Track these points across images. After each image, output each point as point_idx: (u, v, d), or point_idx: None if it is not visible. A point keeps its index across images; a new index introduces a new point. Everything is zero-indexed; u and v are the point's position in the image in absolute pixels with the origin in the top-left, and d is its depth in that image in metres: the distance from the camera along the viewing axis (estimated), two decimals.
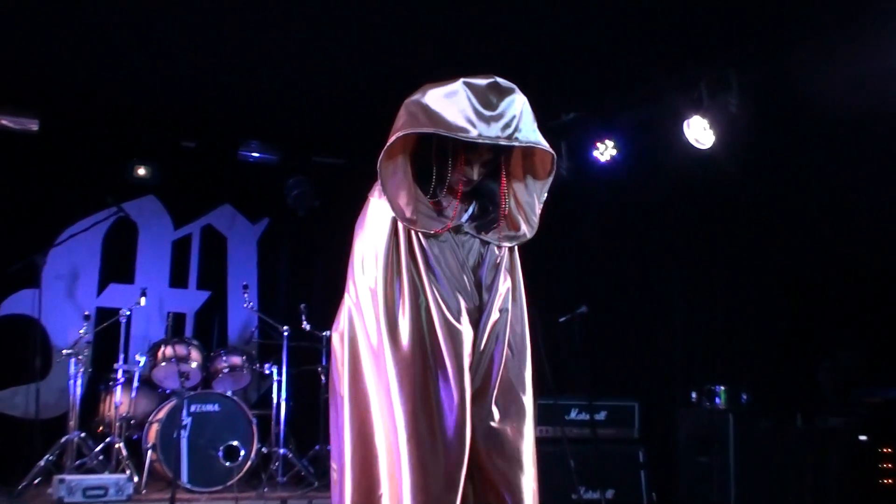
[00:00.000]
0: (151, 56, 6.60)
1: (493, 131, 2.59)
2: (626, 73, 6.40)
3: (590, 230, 7.60)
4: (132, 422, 6.94)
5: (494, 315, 2.79)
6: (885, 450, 5.14)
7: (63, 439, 6.62)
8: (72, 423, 6.74)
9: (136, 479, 6.44)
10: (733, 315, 6.58)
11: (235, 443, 6.80)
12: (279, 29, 6.08)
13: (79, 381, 6.86)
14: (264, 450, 7.08)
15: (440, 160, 2.73)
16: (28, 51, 6.53)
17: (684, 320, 6.93)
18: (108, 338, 7.51)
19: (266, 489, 6.70)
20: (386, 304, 2.71)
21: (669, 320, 7.02)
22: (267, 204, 8.95)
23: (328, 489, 2.99)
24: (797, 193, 6.07)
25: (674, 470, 6.31)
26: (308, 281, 8.66)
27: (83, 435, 6.70)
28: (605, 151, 7.09)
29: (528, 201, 2.87)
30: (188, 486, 6.58)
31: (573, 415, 6.31)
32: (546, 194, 2.91)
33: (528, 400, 2.80)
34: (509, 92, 2.65)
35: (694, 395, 6.22)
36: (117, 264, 8.48)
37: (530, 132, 2.68)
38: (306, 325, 7.34)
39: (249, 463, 6.82)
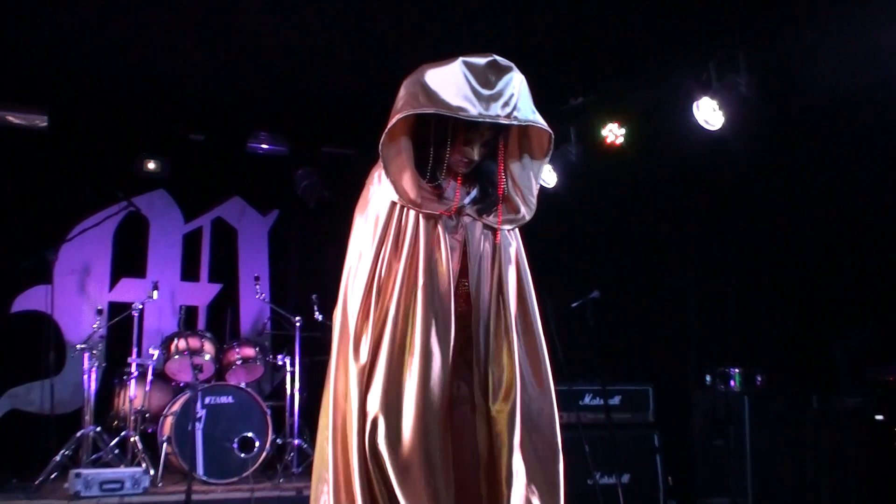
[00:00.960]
0: (158, 50, 6.60)
1: (493, 110, 2.57)
2: (633, 55, 6.36)
3: (600, 214, 7.56)
4: (147, 415, 6.96)
5: (496, 296, 2.75)
6: None
7: (78, 434, 6.65)
8: (87, 418, 6.76)
9: (151, 472, 6.47)
10: (746, 296, 6.55)
11: (250, 434, 6.82)
12: (285, 20, 6.06)
13: (93, 376, 6.87)
14: (279, 441, 7.11)
15: (439, 141, 2.70)
16: (35, 47, 6.54)
17: (697, 303, 6.90)
18: (121, 332, 7.52)
19: (282, 480, 6.72)
20: (379, 286, 2.66)
21: (682, 303, 6.99)
22: (276, 195, 8.97)
23: None
24: (808, 172, 6.02)
25: (689, 454, 6.29)
26: (319, 271, 8.66)
27: (98, 429, 6.73)
28: (614, 135, 7.05)
29: (525, 182, 2.81)
30: (204, 478, 6.61)
31: (587, 400, 6.30)
32: (542, 175, 2.88)
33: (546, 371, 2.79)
34: (507, 70, 2.62)
35: (708, 377, 6.20)
36: (129, 259, 8.52)
37: (528, 111, 2.66)
38: (318, 316, 7.34)
39: (264, 454, 6.84)
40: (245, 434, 6.81)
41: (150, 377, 7.02)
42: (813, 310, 6.00)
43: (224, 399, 6.88)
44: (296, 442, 7.10)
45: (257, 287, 7.70)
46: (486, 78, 2.58)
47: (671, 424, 6.50)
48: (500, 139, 2.76)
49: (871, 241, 5.66)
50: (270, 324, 8.13)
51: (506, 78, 2.61)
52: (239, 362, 7.29)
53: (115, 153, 8.17)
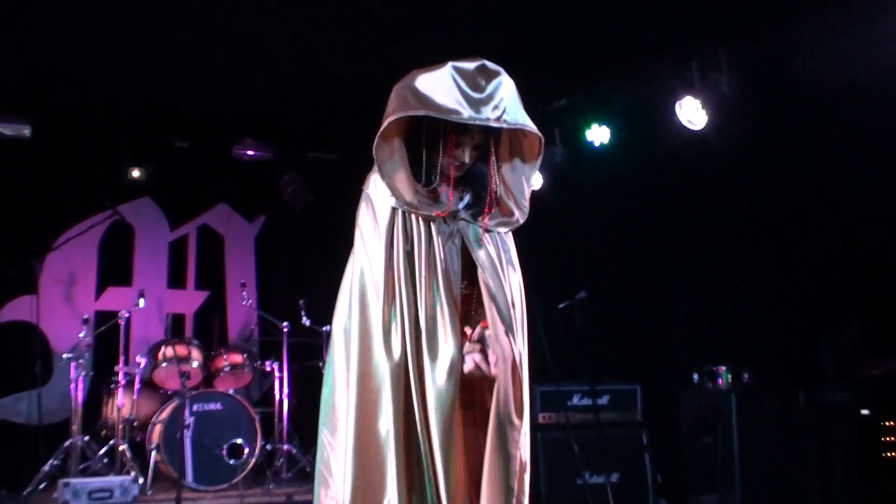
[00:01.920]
0: (142, 57, 6.58)
1: (483, 113, 2.58)
2: (615, 55, 6.38)
3: (586, 215, 7.59)
4: (135, 423, 6.94)
5: (499, 299, 2.75)
6: (888, 423, 5.15)
7: (67, 443, 6.63)
8: (75, 428, 6.74)
9: (140, 480, 6.46)
10: (733, 295, 6.58)
11: (239, 441, 6.82)
12: (269, 25, 6.06)
13: (80, 385, 6.85)
14: (268, 446, 7.10)
15: (430, 145, 2.71)
16: (18, 55, 6.51)
17: (684, 302, 6.93)
18: (108, 341, 7.50)
19: (271, 486, 6.72)
20: (387, 292, 2.66)
21: (669, 303, 7.02)
22: (262, 201, 8.95)
23: None
24: (794, 170, 6.05)
25: (678, 452, 6.32)
26: (306, 276, 8.67)
27: (87, 438, 6.71)
28: (598, 136, 7.08)
29: (517, 186, 2.83)
30: (193, 485, 6.60)
31: (575, 400, 6.32)
32: (534, 178, 2.90)
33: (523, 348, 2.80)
34: (496, 74, 2.64)
35: (696, 376, 6.22)
36: (115, 267, 8.48)
37: (519, 115, 2.67)
38: (306, 321, 7.35)
39: (254, 460, 6.84)
40: (234, 441, 6.81)
41: (137, 385, 7.00)
42: (799, 307, 6.04)
43: (212, 406, 6.87)
44: (285, 447, 7.10)
45: (244, 293, 7.68)
46: (476, 82, 2.59)
47: (659, 423, 6.53)
48: (490, 143, 2.77)
49: (856, 238, 5.69)
50: (258, 330, 8.12)
51: (495, 82, 2.62)
52: (227, 369, 7.28)
53: (99, 161, 8.13)
